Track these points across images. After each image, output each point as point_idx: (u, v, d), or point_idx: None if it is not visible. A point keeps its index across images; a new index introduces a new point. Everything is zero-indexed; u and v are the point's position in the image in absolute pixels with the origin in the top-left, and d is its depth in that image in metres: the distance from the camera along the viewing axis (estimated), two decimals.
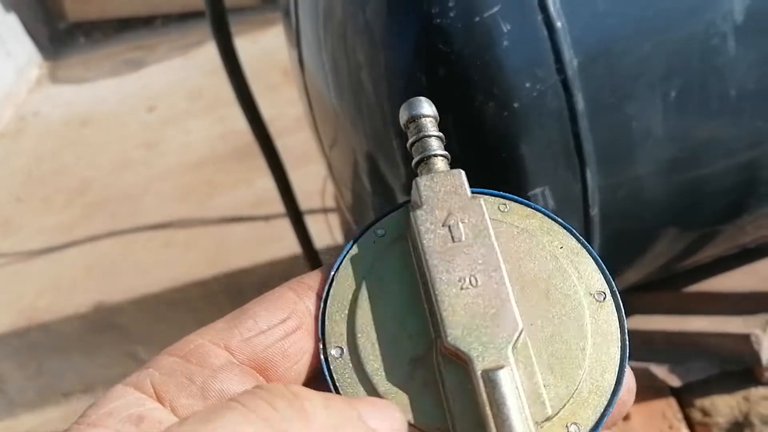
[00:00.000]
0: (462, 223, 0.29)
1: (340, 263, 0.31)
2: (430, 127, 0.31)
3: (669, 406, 0.82)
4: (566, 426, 0.27)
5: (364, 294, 0.30)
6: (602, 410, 0.27)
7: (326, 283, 0.30)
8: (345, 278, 0.30)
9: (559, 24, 0.53)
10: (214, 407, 0.24)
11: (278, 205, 2.08)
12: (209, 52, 3.31)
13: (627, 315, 0.29)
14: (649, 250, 0.67)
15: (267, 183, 2.19)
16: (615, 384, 0.27)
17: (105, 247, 2.24)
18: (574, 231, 0.30)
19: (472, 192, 0.30)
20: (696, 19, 0.57)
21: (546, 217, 0.31)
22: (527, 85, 0.55)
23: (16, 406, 2.00)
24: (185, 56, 3.35)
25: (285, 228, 2.05)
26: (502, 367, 0.26)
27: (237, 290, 1.94)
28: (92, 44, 3.76)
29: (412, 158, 0.31)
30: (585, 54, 0.55)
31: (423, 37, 0.57)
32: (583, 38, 0.55)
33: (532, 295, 0.29)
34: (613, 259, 0.66)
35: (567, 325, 0.28)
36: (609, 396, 0.27)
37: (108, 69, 3.42)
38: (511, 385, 0.26)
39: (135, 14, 3.80)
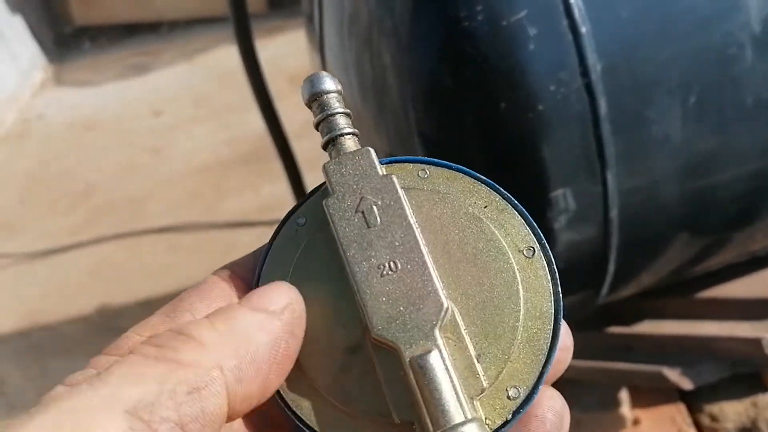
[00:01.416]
0: (375, 206, 0.28)
1: (265, 257, 0.30)
2: (335, 103, 0.30)
3: (678, 411, 0.83)
4: (506, 389, 0.27)
5: None
6: (540, 369, 0.27)
7: (254, 279, 0.29)
8: (272, 272, 0.29)
9: (584, 29, 0.55)
10: (108, 366, 0.24)
11: (284, 211, 2.08)
12: (214, 58, 3.34)
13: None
14: (662, 254, 0.69)
15: (273, 189, 2.21)
16: (551, 340, 0.27)
17: (109, 250, 2.24)
18: (497, 187, 0.29)
19: (386, 162, 0.29)
20: (714, 28, 0.59)
21: (468, 177, 0.30)
22: (551, 88, 0.56)
23: (17, 409, 2.00)
24: (191, 62, 3.36)
25: None
26: (430, 351, 0.26)
27: None
28: (98, 49, 3.78)
29: (322, 139, 0.30)
30: (608, 59, 0.56)
31: (449, 40, 0.58)
32: (606, 44, 0.56)
33: (459, 262, 0.28)
34: (629, 261, 0.68)
35: (498, 287, 0.28)
36: (546, 353, 0.27)
37: (113, 73, 3.43)
38: (440, 368, 0.26)
39: (141, 20, 3.82)
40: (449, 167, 0.30)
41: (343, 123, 0.30)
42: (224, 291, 0.29)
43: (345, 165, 0.29)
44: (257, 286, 0.29)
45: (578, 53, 0.56)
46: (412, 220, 0.28)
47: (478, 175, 0.30)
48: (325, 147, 0.30)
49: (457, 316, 0.27)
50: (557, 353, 0.27)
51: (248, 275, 0.30)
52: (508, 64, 0.56)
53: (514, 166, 0.60)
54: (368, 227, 0.28)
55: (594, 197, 0.60)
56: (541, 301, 0.28)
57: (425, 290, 0.27)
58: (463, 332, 0.27)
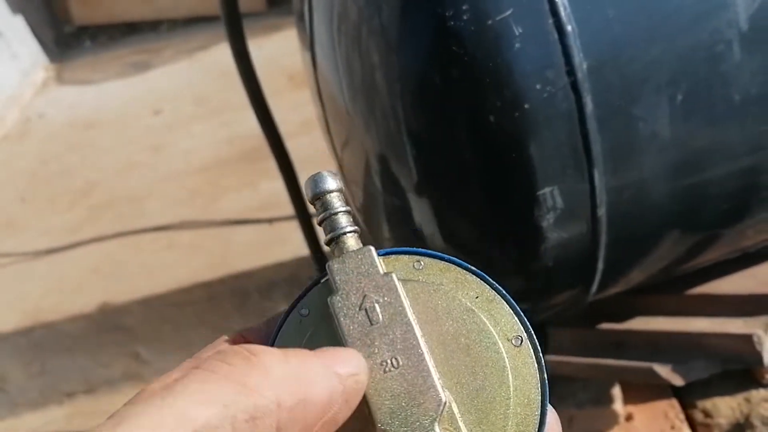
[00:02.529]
0: (377, 304, 0.30)
1: (272, 343, 0.31)
2: (336, 202, 0.32)
3: (671, 406, 0.83)
4: None
5: None
6: None
7: None
8: None
9: (569, 28, 0.55)
10: (180, 373, 0.25)
11: (282, 209, 2.10)
12: (214, 57, 3.34)
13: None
14: (653, 252, 0.69)
15: (271, 187, 2.21)
16: (539, 426, 0.29)
17: (110, 248, 2.25)
18: (487, 278, 0.31)
19: (383, 254, 0.31)
20: (702, 26, 0.59)
21: (459, 269, 0.32)
22: (538, 86, 0.56)
23: (19, 406, 2.01)
24: (191, 60, 3.37)
25: (288, 231, 2.07)
26: None
27: (241, 292, 1.96)
28: (98, 47, 3.79)
29: (325, 236, 0.32)
30: (594, 57, 0.56)
31: (437, 39, 0.58)
32: (592, 42, 0.56)
33: (454, 352, 0.30)
34: (619, 259, 0.68)
35: (489, 376, 0.30)
36: None
37: (114, 72, 3.44)
38: None
39: (141, 18, 3.83)
40: (442, 258, 0.32)
41: (344, 222, 0.32)
42: None
43: (348, 264, 0.31)
44: None
45: (564, 52, 0.56)
46: (412, 317, 0.30)
47: (469, 266, 0.32)
48: (328, 244, 0.32)
49: (453, 407, 0.30)
50: None
51: (258, 342, 0.31)
52: (494, 63, 0.56)
53: (501, 164, 0.60)
54: (371, 324, 0.30)
55: (581, 195, 0.60)
56: (529, 388, 0.30)
57: (425, 385, 0.29)
58: (459, 421, 0.29)
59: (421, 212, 0.68)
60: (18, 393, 2.04)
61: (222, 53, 3.22)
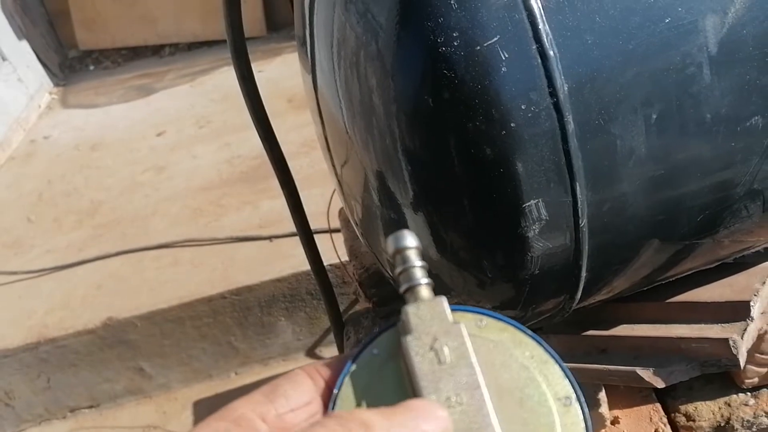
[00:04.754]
0: (446, 346, 0.33)
1: (342, 382, 0.34)
2: (414, 258, 0.36)
3: (655, 410, 0.87)
4: None
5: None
6: None
7: (331, 402, 0.34)
8: (346, 397, 0.34)
9: (551, 53, 0.60)
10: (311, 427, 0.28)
11: (282, 226, 2.15)
12: (215, 80, 3.40)
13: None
14: (634, 261, 0.73)
15: (272, 205, 2.26)
16: None
17: (114, 265, 2.29)
18: (541, 341, 0.35)
19: (453, 310, 0.35)
20: (673, 51, 0.63)
21: (517, 330, 0.35)
22: (523, 107, 0.61)
23: (24, 422, 2.03)
24: (192, 84, 3.43)
25: (289, 247, 2.11)
26: None
27: (243, 307, 2.00)
28: (102, 71, 3.86)
29: (399, 285, 0.36)
30: (574, 80, 0.61)
31: (429, 64, 0.63)
32: (572, 66, 0.61)
33: (508, 404, 0.33)
34: (602, 267, 0.72)
35: (540, 430, 0.33)
36: None
37: (117, 95, 3.50)
38: None
39: (144, 43, 3.89)
40: (502, 320, 0.36)
41: (420, 274, 0.36)
42: (311, 387, 0.34)
43: (422, 310, 0.34)
44: (335, 404, 0.34)
45: (547, 75, 0.60)
46: (475, 361, 0.33)
47: (526, 329, 0.36)
48: (404, 292, 0.36)
49: None
50: None
51: (331, 376, 0.35)
52: (482, 85, 0.61)
53: (490, 179, 0.65)
54: (439, 363, 0.33)
55: (564, 207, 0.65)
56: None
57: (484, 423, 0.32)
58: None
59: (416, 225, 0.72)
60: (23, 408, 2.07)
61: (223, 77, 3.29)
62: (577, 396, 0.34)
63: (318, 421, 0.29)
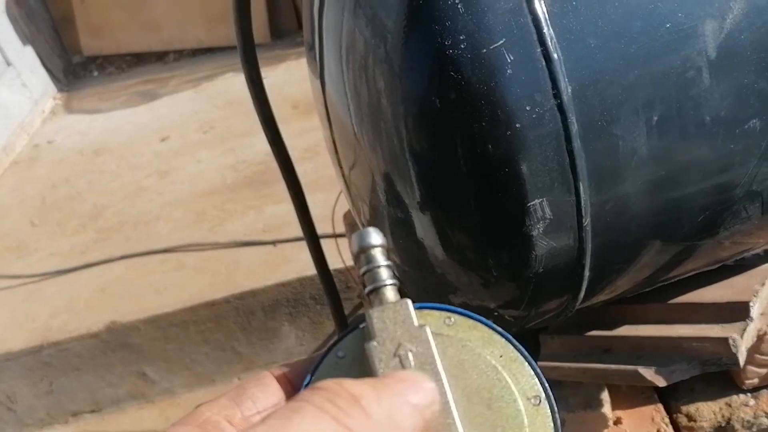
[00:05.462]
0: (410, 352, 0.32)
1: (308, 384, 0.34)
2: (379, 257, 0.34)
3: (657, 411, 0.88)
4: None
5: None
6: None
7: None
8: None
9: (555, 56, 0.61)
10: (286, 408, 0.28)
11: (286, 231, 2.16)
12: (219, 86, 3.42)
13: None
14: (636, 260, 0.74)
15: (275, 210, 2.27)
16: None
17: (118, 269, 2.30)
18: (511, 339, 0.34)
19: (420, 308, 0.34)
20: (674, 55, 0.65)
21: (486, 328, 0.34)
22: (527, 108, 0.62)
23: (26, 426, 2.04)
24: (196, 89, 3.45)
25: (292, 252, 2.13)
26: None
27: (246, 312, 2.01)
28: (106, 77, 3.88)
29: (364, 286, 0.35)
30: (578, 82, 0.62)
31: (437, 66, 0.64)
32: (576, 69, 0.62)
33: (476, 406, 0.33)
34: (604, 266, 0.74)
35: (508, 430, 0.32)
36: None
37: (121, 100, 3.52)
38: None
39: (148, 50, 3.92)
40: (471, 317, 0.35)
41: (385, 275, 0.35)
42: (278, 389, 0.34)
43: (386, 313, 0.34)
44: None
45: (551, 77, 0.62)
46: (441, 368, 0.32)
47: (496, 327, 0.35)
48: (368, 294, 0.35)
49: None
50: None
51: (297, 379, 0.35)
52: (488, 87, 0.62)
53: (495, 178, 0.66)
54: (404, 370, 0.32)
55: (568, 207, 0.66)
56: None
57: (448, 430, 0.31)
58: None
59: (423, 225, 0.74)
60: (25, 412, 2.07)
61: (227, 83, 3.31)
62: (547, 395, 0.33)
63: (302, 397, 0.28)
